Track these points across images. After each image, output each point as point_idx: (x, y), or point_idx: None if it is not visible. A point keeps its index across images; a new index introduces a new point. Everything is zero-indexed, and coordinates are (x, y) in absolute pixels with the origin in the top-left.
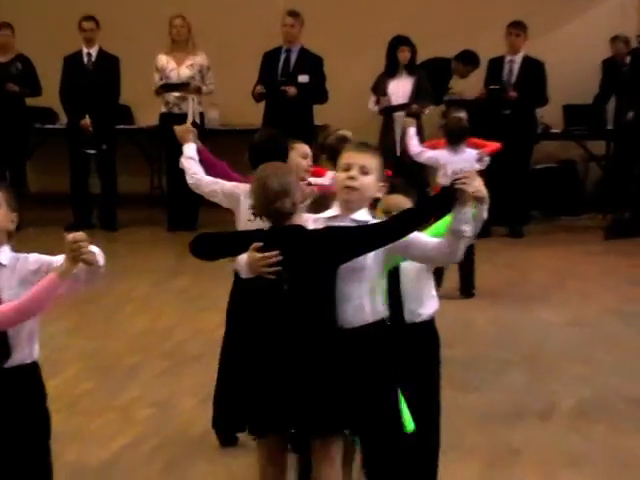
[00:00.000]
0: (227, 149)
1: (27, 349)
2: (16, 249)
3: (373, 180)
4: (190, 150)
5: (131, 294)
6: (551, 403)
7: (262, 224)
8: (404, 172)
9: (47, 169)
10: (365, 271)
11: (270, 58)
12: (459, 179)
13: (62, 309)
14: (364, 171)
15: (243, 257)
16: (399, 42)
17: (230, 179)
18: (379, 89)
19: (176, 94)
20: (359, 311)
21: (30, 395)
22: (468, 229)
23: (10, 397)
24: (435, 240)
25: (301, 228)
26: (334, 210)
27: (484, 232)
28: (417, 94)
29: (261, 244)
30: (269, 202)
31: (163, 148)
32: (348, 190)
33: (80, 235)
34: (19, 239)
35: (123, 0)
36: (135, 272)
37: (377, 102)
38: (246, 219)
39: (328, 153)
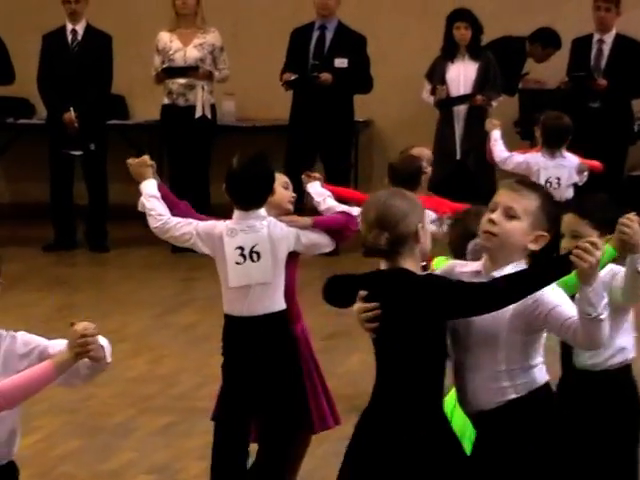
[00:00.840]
0: (245, 150)
1: (5, 449)
2: None
3: (522, 227)
4: (151, 187)
5: (125, 331)
6: None
7: (255, 266)
8: (466, 180)
9: (22, 174)
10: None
11: (300, 37)
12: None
13: None
14: (510, 214)
15: None
16: (456, 17)
17: (192, 216)
18: (435, 76)
19: (182, 81)
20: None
21: None
22: (595, 310)
23: None
24: (571, 320)
25: (403, 273)
26: (479, 263)
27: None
28: (483, 82)
29: (366, 292)
30: (364, 234)
31: (165, 149)
32: (486, 236)
33: (90, 328)
34: None
35: None
36: (130, 304)
37: (433, 92)
38: (233, 261)
39: (391, 175)
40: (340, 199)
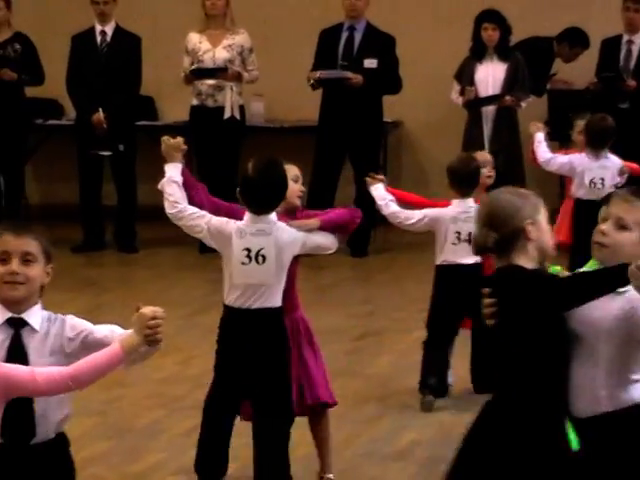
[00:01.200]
0: (274, 151)
1: (53, 424)
2: None
3: (632, 237)
4: (174, 172)
5: None
6: None
7: (259, 269)
8: (495, 181)
9: (51, 175)
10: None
11: (329, 38)
12: None
13: None
14: (621, 225)
15: None
16: (484, 19)
17: (212, 205)
18: (464, 77)
19: (211, 82)
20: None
21: (57, 472)
22: None
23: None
24: None
25: (512, 269)
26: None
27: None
28: (512, 83)
29: (489, 290)
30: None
31: (194, 149)
32: (597, 247)
33: (159, 312)
34: None
35: None
36: (159, 304)
37: (461, 93)
38: (239, 261)
39: (450, 177)
40: (402, 202)
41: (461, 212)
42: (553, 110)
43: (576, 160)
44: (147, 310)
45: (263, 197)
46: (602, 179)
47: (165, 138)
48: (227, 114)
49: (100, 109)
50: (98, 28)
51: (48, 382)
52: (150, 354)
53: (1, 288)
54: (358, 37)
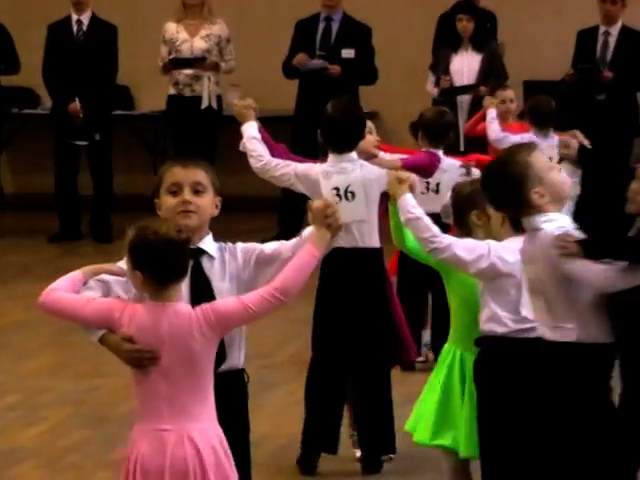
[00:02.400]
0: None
1: (237, 353)
2: None
3: None
4: (252, 129)
5: None
6: None
7: (350, 205)
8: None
9: (26, 165)
10: None
11: (306, 28)
12: None
13: (42, 341)
14: None
15: None
16: (458, 10)
17: (294, 160)
18: (440, 67)
19: (188, 72)
20: None
21: (235, 402)
22: None
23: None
24: None
25: None
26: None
27: None
28: (487, 73)
29: None
30: None
31: (170, 139)
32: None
33: (330, 201)
34: None
35: None
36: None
37: (437, 84)
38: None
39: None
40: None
41: None
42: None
43: (527, 139)
44: (318, 203)
45: (344, 134)
46: (550, 158)
47: (235, 101)
48: (204, 104)
49: (77, 98)
50: (74, 17)
51: (259, 304)
52: (332, 244)
53: (175, 219)
54: (335, 27)
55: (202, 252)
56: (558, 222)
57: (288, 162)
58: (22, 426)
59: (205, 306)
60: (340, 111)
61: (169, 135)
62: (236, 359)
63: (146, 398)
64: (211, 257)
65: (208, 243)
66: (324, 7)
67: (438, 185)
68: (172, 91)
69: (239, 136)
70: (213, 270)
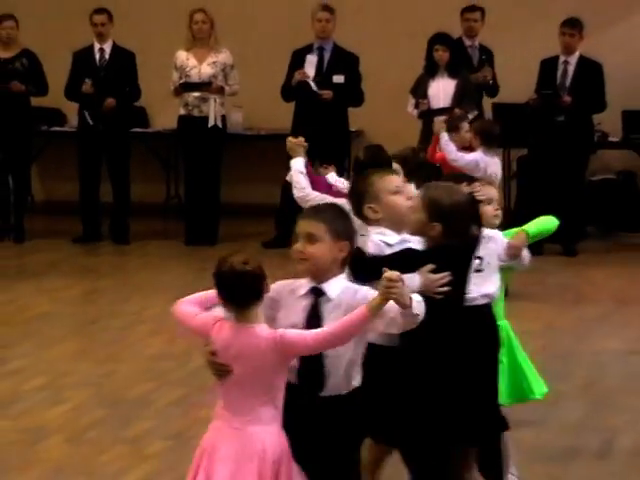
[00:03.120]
0: (251, 155)
1: (344, 381)
2: (22, 260)
3: None
4: (299, 164)
5: (144, 314)
6: (609, 439)
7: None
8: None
9: (54, 175)
10: None
11: (301, 57)
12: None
13: (66, 330)
14: None
15: (410, 277)
16: (436, 41)
17: (330, 193)
18: (419, 91)
19: (196, 94)
20: None
21: (340, 426)
22: None
23: (322, 425)
24: None
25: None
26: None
27: (536, 250)
28: (460, 97)
29: (433, 266)
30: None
31: (181, 154)
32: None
33: (395, 276)
34: (28, 250)
35: None
36: (148, 289)
37: (416, 106)
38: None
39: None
40: None
41: None
42: (498, 122)
43: (479, 157)
44: (386, 274)
45: None
46: (496, 174)
47: (289, 138)
48: (211, 123)
49: (86, 79)
50: (97, 46)
51: (316, 341)
52: (410, 321)
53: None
54: (327, 56)
55: (321, 292)
56: (386, 238)
57: (325, 195)
58: (48, 405)
59: (278, 332)
60: (370, 157)
61: (180, 150)
62: (340, 386)
63: (223, 400)
64: (329, 298)
65: (332, 284)
66: (317, 38)
67: None
68: (182, 112)
69: (241, 151)
70: (327, 309)
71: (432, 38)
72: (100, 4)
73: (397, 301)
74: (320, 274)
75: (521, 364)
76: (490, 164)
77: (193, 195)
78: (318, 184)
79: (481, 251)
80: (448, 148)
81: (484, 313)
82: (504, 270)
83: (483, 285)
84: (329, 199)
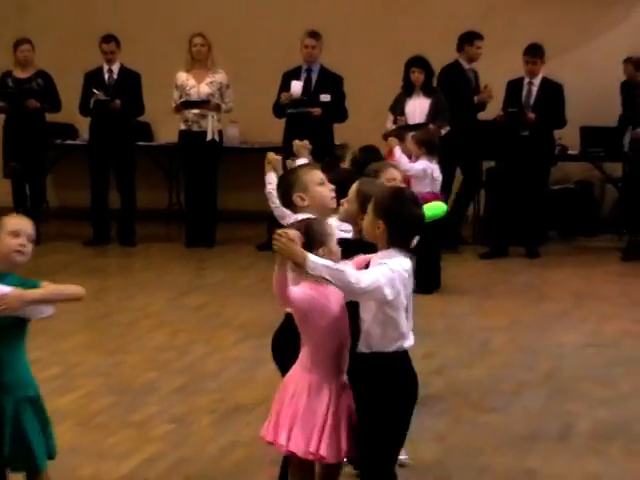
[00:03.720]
0: (246, 167)
1: (372, 340)
2: (36, 261)
3: None
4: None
5: (147, 309)
6: (568, 424)
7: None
8: None
9: (67, 184)
10: None
11: (291, 78)
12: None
13: (78, 324)
14: None
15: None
16: (412, 63)
17: None
18: (397, 109)
19: (195, 111)
20: None
21: (366, 384)
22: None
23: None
24: None
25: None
26: None
27: (502, 252)
28: (434, 115)
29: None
30: None
31: (182, 165)
32: None
33: (282, 231)
34: (42, 252)
35: (143, 16)
36: (152, 287)
37: (395, 122)
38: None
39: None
40: None
41: None
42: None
43: (425, 165)
44: (279, 230)
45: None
46: (439, 176)
47: (296, 141)
48: (209, 137)
49: (94, 90)
50: (106, 67)
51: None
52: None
53: None
54: (314, 77)
55: None
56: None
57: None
58: (61, 393)
59: None
60: (365, 156)
61: (181, 161)
62: (370, 346)
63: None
64: None
65: None
66: (305, 61)
67: None
68: (183, 127)
69: (236, 163)
70: None
71: (409, 61)
72: (109, 29)
73: (282, 256)
74: None
75: None
76: (434, 169)
77: (193, 202)
78: None
79: None
80: (402, 160)
81: None
82: None
83: None
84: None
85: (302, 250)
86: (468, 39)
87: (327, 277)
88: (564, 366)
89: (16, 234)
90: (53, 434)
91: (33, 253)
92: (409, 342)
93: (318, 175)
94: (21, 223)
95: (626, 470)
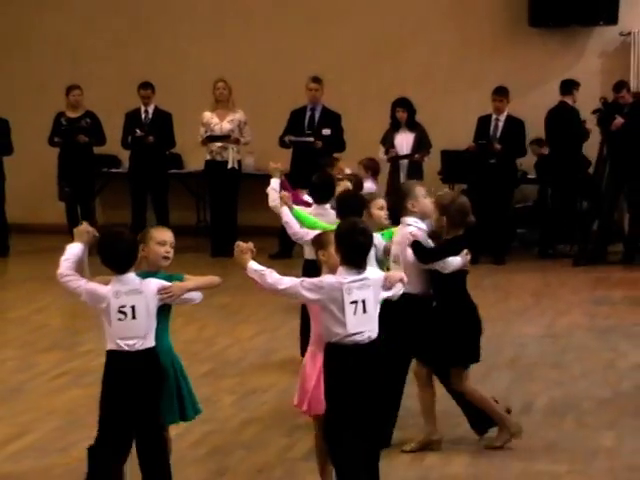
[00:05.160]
0: (261, 190)
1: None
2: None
3: None
4: (275, 183)
5: (180, 308)
6: (529, 401)
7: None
8: None
9: (112, 205)
10: None
11: (297, 115)
12: None
13: None
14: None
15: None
16: (396, 104)
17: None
18: (387, 141)
19: (219, 144)
20: None
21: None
22: None
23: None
24: None
25: None
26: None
27: (473, 260)
28: (418, 146)
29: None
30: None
31: (208, 188)
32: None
33: (238, 243)
34: (93, 262)
35: (174, 65)
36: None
37: (385, 152)
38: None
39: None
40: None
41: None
42: (445, 164)
43: (371, 186)
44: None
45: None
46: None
47: (270, 163)
48: (230, 165)
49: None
50: (143, 108)
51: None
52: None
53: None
54: (317, 115)
55: None
56: (418, 224)
57: (308, 231)
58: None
59: None
60: (318, 176)
61: (207, 186)
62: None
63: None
64: None
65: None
66: (309, 102)
67: None
68: (208, 157)
69: (253, 187)
70: None
71: (394, 102)
72: (145, 76)
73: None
74: None
75: None
76: (375, 188)
77: (217, 219)
78: (294, 195)
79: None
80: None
81: None
82: None
83: None
84: (313, 234)
85: (247, 259)
86: (574, 85)
87: (256, 279)
88: (525, 353)
89: (163, 243)
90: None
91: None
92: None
93: (423, 189)
94: (166, 234)
95: (577, 438)
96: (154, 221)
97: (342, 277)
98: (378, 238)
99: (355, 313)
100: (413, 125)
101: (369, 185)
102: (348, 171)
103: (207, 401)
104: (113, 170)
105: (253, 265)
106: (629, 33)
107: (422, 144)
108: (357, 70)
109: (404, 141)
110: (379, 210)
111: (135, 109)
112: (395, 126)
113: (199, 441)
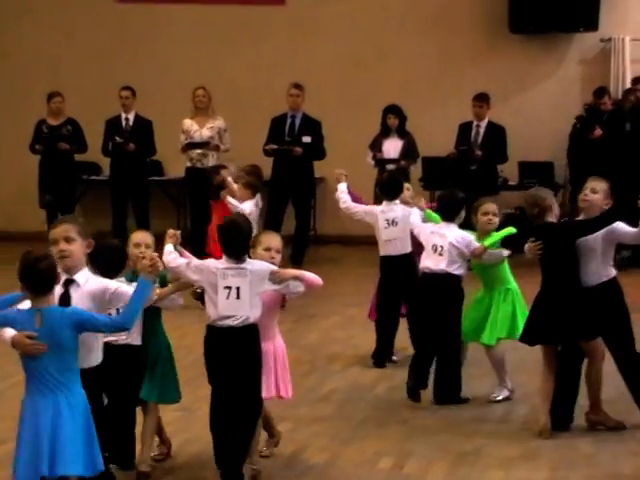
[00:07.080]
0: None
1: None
2: None
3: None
4: (342, 186)
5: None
6: (509, 409)
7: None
8: None
9: (92, 212)
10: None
11: (278, 122)
12: None
13: None
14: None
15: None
16: (388, 111)
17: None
18: (375, 146)
19: (199, 151)
20: None
21: None
22: None
23: None
24: None
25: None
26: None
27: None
28: (406, 152)
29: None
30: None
31: (188, 195)
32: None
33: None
34: None
35: (155, 73)
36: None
37: (373, 157)
38: (383, 227)
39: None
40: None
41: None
42: (426, 170)
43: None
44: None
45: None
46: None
47: (336, 170)
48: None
49: (130, 144)
50: (123, 115)
51: None
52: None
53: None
54: (298, 122)
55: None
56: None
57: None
58: None
59: None
60: (388, 176)
61: (187, 193)
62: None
63: None
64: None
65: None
66: (290, 109)
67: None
68: (188, 164)
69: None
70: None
71: (386, 108)
72: (126, 83)
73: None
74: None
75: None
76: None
77: (197, 226)
78: (355, 196)
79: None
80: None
81: None
82: None
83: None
84: (362, 207)
85: (168, 242)
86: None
87: (165, 257)
88: (505, 361)
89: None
90: None
91: None
92: None
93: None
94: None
95: (555, 444)
96: (135, 228)
97: (220, 263)
98: (466, 239)
99: (228, 298)
100: (403, 133)
101: (248, 206)
102: (232, 169)
103: (188, 409)
104: (94, 177)
105: (168, 247)
106: (609, 39)
107: (409, 153)
108: (338, 78)
109: (392, 147)
110: (483, 216)
111: (115, 116)
112: (385, 132)
113: (178, 449)
